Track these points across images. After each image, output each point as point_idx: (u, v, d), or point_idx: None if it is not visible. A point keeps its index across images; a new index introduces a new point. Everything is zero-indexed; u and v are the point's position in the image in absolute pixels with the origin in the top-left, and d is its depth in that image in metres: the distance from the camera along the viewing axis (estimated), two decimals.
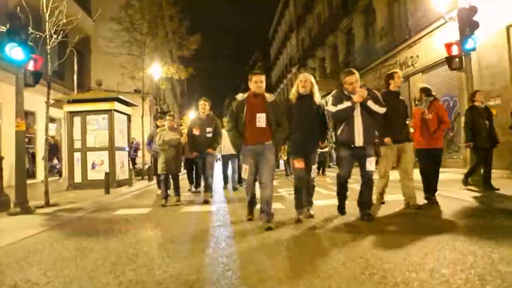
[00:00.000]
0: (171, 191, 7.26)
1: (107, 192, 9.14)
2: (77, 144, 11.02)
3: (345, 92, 4.61)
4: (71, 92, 17.72)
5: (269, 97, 4.58)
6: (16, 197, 6.47)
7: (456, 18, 10.22)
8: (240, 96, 4.63)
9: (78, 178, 10.90)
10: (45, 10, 7.51)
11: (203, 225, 4.86)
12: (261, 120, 4.42)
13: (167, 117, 7.47)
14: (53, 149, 14.35)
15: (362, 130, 4.45)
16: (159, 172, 7.22)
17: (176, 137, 7.04)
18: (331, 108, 4.57)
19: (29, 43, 6.77)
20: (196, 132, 7.04)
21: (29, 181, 10.05)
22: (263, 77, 4.55)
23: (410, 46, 14.09)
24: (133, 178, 12.66)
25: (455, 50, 7.43)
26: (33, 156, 14.99)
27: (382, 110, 4.53)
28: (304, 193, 4.81)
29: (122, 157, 11.64)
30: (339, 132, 4.63)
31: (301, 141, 4.67)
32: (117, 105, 11.31)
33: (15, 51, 6.33)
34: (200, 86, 17.73)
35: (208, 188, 7.14)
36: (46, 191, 7.30)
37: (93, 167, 10.91)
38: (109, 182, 9.47)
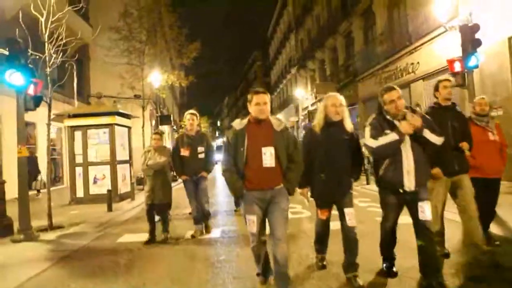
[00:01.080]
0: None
1: (110, 209, 9.12)
2: (79, 159, 10.99)
3: (387, 117, 3.52)
4: (71, 100, 17.73)
5: (277, 123, 3.39)
6: (20, 224, 6.47)
7: (457, 27, 10.23)
8: (237, 124, 3.43)
9: (80, 193, 10.89)
10: (44, 32, 7.46)
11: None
12: (268, 156, 3.25)
13: (153, 136, 6.21)
14: (30, 163, 11.80)
15: (413, 169, 3.38)
16: (145, 202, 6.07)
17: (162, 160, 5.87)
18: (371, 143, 3.47)
19: (29, 65, 6.76)
20: (184, 152, 6.00)
21: (31, 192, 10.15)
22: (267, 97, 3.35)
23: (410, 53, 14.04)
24: (135, 188, 12.66)
25: (457, 67, 7.41)
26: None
27: (440, 140, 3.47)
28: (344, 251, 3.73)
29: (123, 170, 11.61)
30: (381, 170, 3.53)
31: (329, 184, 3.66)
32: (118, 119, 11.27)
33: (15, 77, 6.29)
34: (199, 84, 17.64)
35: (205, 218, 6.30)
36: (49, 214, 7.28)
37: (95, 182, 10.90)
38: (112, 197, 9.45)
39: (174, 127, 36.19)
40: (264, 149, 3.27)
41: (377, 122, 3.55)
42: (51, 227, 7.19)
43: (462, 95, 10.74)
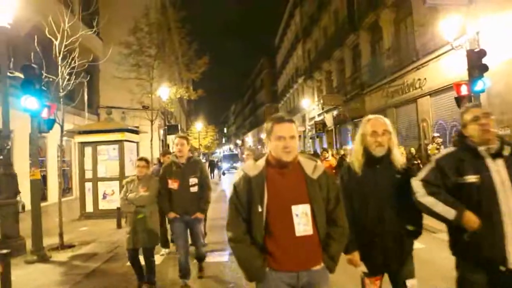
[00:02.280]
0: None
1: (119, 226, 9.25)
2: (88, 174, 11.17)
3: (470, 144, 2.39)
4: (82, 112, 18.04)
5: (310, 166, 2.27)
6: (33, 245, 6.64)
7: (463, 45, 10.29)
8: (250, 168, 2.28)
9: (89, 208, 11.06)
10: (57, 55, 7.67)
11: None
12: (302, 219, 2.15)
13: (137, 162, 4.97)
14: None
15: None
16: (125, 246, 4.84)
17: (146, 194, 4.71)
18: (424, 200, 2.39)
19: (43, 87, 6.96)
20: (172, 185, 4.76)
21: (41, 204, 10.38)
22: (294, 128, 2.24)
23: (417, 69, 14.10)
24: None
25: (464, 91, 7.46)
26: (44, 179, 15.21)
27: None
28: None
29: None
30: (467, 236, 2.30)
31: (380, 247, 2.56)
32: (127, 135, 11.45)
33: (30, 102, 6.48)
34: (205, 91, 17.60)
35: (200, 259, 5.29)
36: (60, 233, 7.43)
37: (104, 197, 11.06)
38: (120, 213, 9.58)
39: None
40: (295, 208, 2.12)
41: (452, 160, 2.40)
42: (62, 246, 7.34)
43: None
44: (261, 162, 2.26)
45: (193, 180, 4.84)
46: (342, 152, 14.25)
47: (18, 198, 11.73)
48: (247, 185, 2.21)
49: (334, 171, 10.57)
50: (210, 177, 7.24)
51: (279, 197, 2.16)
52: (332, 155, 13.70)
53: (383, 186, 2.58)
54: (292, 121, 2.25)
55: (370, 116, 2.75)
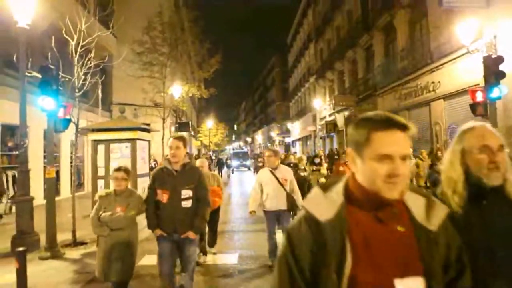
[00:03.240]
0: None
1: None
2: (101, 171, 11.30)
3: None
4: (95, 109, 18.26)
5: (419, 205, 1.31)
6: (47, 242, 6.79)
7: (480, 49, 10.15)
8: (319, 204, 1.29)
9: None
10: (74, 55, 7.78)
11: None
12: None
13: (114, 174, 4.12)
14: None
15: None
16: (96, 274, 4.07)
17: (124, 214, 3.87)
18: None
19: (59, 87, 7.08)
20: (162, 196, 3.93)
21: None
22: (407, 140, 1.24)
23: (431, 71, 13.94)
24: None
25: (479, 97, 7.37)
26: (57, 174, 15.48)
27: None
28: None
29: (143, 184, 11.86)
30: None
31: None
32: (140, 133, 11.56)
33: (47, 102, 6.61)
34: (216, 87, 17.50)
35: None
36: (73, 230, 7.58)
37: None
38: None
39: (192, 133, 36.65)
40: (400, 284, 1.21)
41: None
42: (74, 243, 7.49)
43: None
44: (336, 195, 1.30)
45: (186, 193, 3.92)
46: None
47: (3, 201, 10.95)
48: (314, 237, 1.25)
49: None
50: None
51: (372, 263, 1.22)
52: None
53: (496, 231, 1.62)
54: (406, 127, 1.24)
55: (473, 124, 1.76)
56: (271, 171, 5.77)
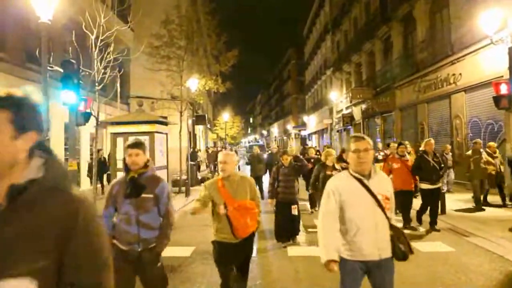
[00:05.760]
0: None
1: None
2: (120, 164, 11.51)
3: None
4: (113, 102, 18.53)
5: None
6: None
7: (504, 40, 9.86)
8: None
9: None
10: (93, 49, 7.89)
11: None
12: None
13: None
14: None
15: None
16: None
17: None
18: None
19: (80, 81, 7.21)
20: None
21: None
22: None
23: (452, 63, 13.60)
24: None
25: (503, 89, 7.17)
26: (77, 166, 15.82)
27: None
28: None
29: (161, 176, 12.05)
30: None
31: None
32: (158, 126, 11.71)
33: (68, 96, 6.74)
34: (231, 80, 17.17)
35: None
36: None
37: None
38: None
39: (209, 126, 36.88)
40: None
41: None
42: None
43: (507, 121, 10.15)
44: None
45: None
46: (422, 146, 8.04)
47: None
48: None
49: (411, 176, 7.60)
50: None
51: None
52: (409, 152, 9.36)
53: None
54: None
55: None
56: (359, 179, 2.82)
